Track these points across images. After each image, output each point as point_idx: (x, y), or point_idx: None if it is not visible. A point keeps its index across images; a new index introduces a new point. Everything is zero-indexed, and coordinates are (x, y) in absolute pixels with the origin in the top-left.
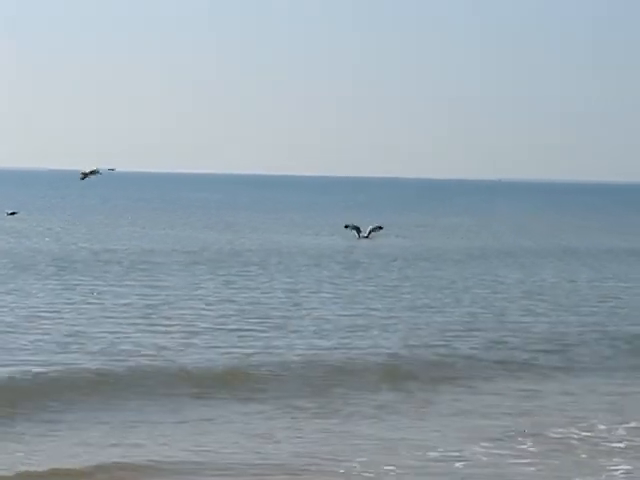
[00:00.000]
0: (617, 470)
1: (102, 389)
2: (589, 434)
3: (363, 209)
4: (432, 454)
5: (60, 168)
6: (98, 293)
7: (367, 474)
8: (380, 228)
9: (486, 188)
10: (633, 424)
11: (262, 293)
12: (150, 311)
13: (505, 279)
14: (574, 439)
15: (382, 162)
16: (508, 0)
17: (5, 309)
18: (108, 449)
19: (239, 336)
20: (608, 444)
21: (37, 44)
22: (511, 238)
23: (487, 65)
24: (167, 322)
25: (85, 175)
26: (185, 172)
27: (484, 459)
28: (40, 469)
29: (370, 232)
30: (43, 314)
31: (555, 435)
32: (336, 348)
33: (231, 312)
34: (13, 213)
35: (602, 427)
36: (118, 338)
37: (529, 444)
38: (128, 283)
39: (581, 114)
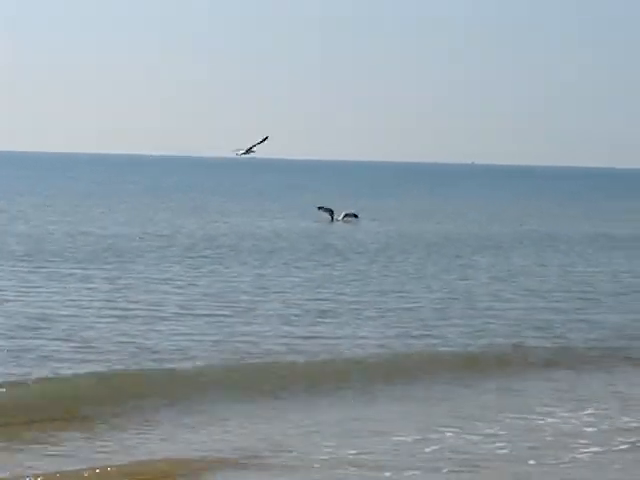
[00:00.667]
0: (584, 453)
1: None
2: (556, 420)
3: (336, 193)
4: (401, 439)
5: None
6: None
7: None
8: (355, 216)
9: (459, 172)
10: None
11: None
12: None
13: (477, 263)
14: (543, 423)
15: (354, 146)
16: None
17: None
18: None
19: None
20: (576, 428)
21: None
22: (485, 224)
23: (467, 51)
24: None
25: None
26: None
27: (454, 442)
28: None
29: (344, 217)
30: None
31: (526, 420)
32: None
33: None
34: None
35: (569, 414)
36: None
37: (497, 428)
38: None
39: (555, 98)
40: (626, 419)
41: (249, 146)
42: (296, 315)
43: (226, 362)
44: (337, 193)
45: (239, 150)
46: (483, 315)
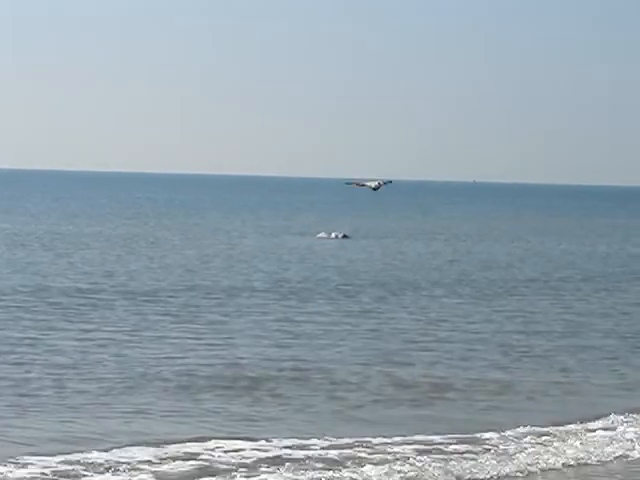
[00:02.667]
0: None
1: None
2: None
3: (337, 211)
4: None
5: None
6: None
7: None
8: (390, 182)
9: (460, 190)
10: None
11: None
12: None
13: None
14: None
15: (353, 163)
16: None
17: None
18: None
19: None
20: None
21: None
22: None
23: (466, 66)
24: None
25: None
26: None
27: None
28: None
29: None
30: None
31: None
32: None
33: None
34: None
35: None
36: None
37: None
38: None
39: (556, 114)
40: None
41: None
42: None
43: None
44: (338, 211)
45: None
46: None
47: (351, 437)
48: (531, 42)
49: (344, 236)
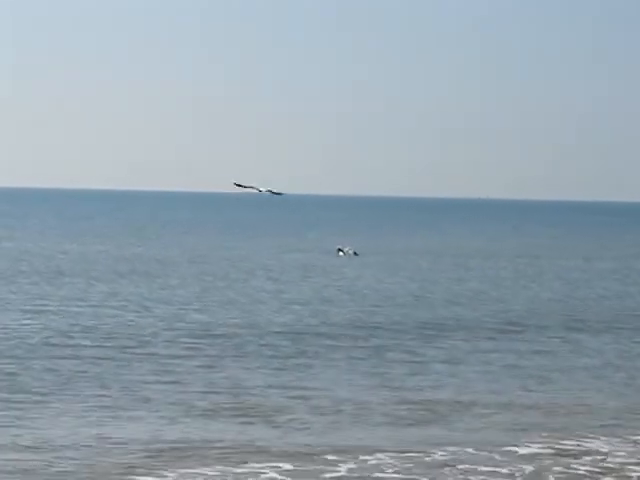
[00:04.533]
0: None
1: None
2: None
3: (350, 228)
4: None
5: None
6: None
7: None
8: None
9: (470, 206)
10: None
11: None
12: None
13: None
14: None
15: (363, 180)
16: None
17: None
18: None
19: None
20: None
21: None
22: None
23: (476, 80)
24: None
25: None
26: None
27: None
28: None
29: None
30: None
31: None
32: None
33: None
34: None
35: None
36: None
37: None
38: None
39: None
40: None
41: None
42: None
43: None
44: (350, 229)
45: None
46: None
47: None
48: (542, 53)
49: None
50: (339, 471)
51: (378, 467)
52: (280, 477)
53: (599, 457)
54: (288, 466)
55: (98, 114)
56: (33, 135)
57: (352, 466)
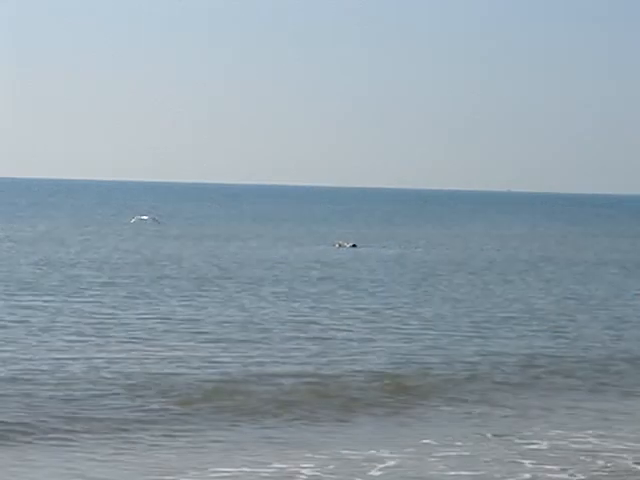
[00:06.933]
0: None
1: None
2: None
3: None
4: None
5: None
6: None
7: None
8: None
9: (494, 199)
10: None
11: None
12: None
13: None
14: None
15: (392, 172)
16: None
17: None
18: None
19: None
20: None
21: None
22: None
23: (495, 74)
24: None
25: None
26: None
27: None
28: None
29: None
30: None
31: None
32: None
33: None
34: None
35: None
36: None
37: None
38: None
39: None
40: None
41: None
42: None
43: None
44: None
45: None
46: None
47: None
48: (562, 49)
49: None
50: None
51: None
52: None
53: None
54: None
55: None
56: None
57: None
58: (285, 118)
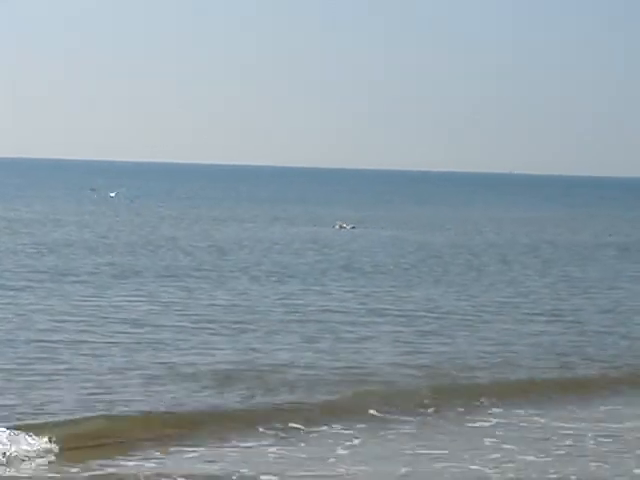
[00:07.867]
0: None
1: None
2: None
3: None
4: None
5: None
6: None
7: None
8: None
9: (496, 181)
10: None
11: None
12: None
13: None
14: None
15: (390, 155)
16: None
17: None
18: None
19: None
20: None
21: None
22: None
23: (504, 58)
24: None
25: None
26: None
27: None
28: None
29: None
30: None
31: None
32: None
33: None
34: None
35: None
36: None
37: None
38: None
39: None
40: None
41: None
42: None
43: None
44: (367, 201)
45: None
46: None
47: None
48: (569, 34)
49: None
50: None
51: None
52: None
53: None
54: None
55: None
56: None
57: None
58: (284, 102)
